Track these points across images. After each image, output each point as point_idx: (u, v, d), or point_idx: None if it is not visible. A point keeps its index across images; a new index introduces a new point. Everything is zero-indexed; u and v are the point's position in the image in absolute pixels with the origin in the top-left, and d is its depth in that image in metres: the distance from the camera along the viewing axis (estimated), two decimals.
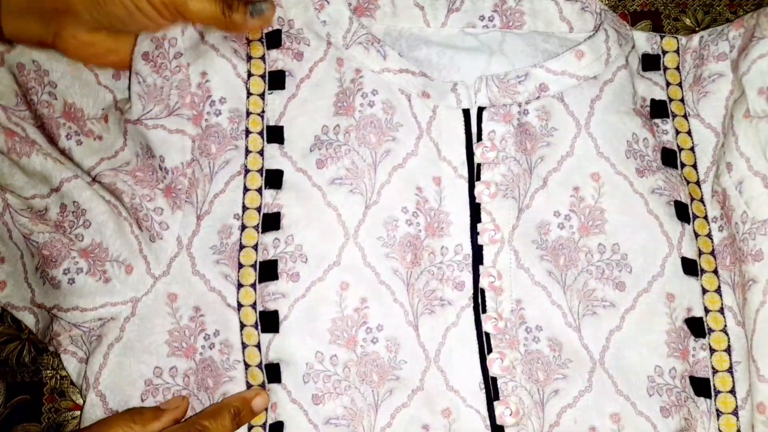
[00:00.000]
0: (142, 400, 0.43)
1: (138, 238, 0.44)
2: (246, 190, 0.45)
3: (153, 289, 0.44)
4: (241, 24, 0.46)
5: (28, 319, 0.45)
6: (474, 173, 0.47)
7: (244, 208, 0.45)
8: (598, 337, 0.44)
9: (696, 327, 0.45)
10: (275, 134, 0.47)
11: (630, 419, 0.43)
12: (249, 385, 0.43)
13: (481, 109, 0.47)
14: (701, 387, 0.44)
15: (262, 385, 0.43)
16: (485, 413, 0.43)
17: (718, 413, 0.44)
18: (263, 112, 0.47)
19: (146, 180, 0.44)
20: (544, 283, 0.45)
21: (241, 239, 0.44)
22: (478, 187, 0.46)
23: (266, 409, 0.43)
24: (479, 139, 0.47)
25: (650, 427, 0.43)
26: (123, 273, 0.43)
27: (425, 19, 0.50)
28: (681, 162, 0.48)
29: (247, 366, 0.43)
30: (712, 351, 0.44)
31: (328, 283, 0.44)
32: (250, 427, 0.43)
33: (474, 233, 0.46)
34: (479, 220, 0.46)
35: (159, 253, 0.44)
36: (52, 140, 0.45)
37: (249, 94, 0.47)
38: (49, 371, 0.47)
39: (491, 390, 0.44)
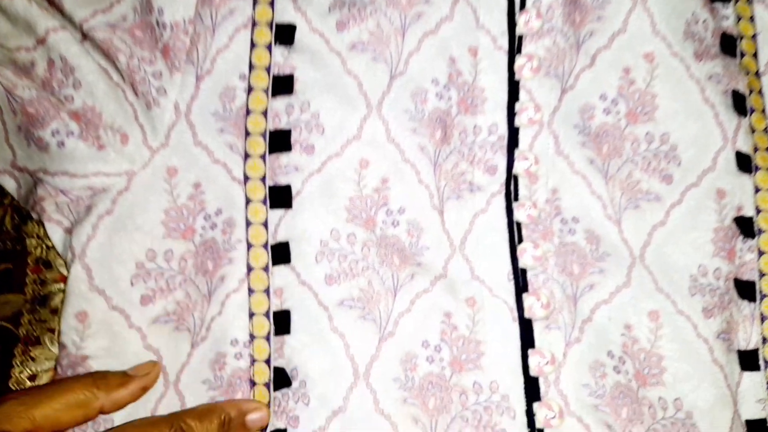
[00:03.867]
0: (132, 284, 0.40)
1: (133, 105, 0.40)
2: (253, 45, 0.41)
3: (151, 162, 0.41)
4: None
5: (9, 184, 0.42)
6: (515, 45, 0.43)
7: (251, 66, 0.41)
8: (639, 232, 0.42)
9: (745, 227, 0.42)
10: None
11: (669, 318, 0.41)
12: (250, 268, 0.40)
13: None
14: (746, 290, 0.42)
15: (266, 268, 0.40)
16: (513, 304, 0.41)
17: (762, 318, 0.42)
18: None
19: (146, 41, 0.40)
20: (584, 172, 0.43)
21: (247, 103, 0.41)
22: (519, 60, 0.43)
23: (268, 295, 0.39)
24: (523, 6, 0.43)
25: (690, 326, 0.41)
26: (118, 142, 0.40)
27: None
28: (741, 50, 0.45)
29: (249, 246, 0.40)
30: (761, 253, 0.42)
31: (345, 159, 0.41)
32: (252, 314, 0.39)
33: (511, 113, 0.43)
34: (517, 99, 0.43)
35: (156, 121, 0.40)
36: None
37: None
38: (34, 240, 0.44)
39: (520, 281, 0.41)
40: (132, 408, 0.38)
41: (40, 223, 0.42)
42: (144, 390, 0.38)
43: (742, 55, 0.45)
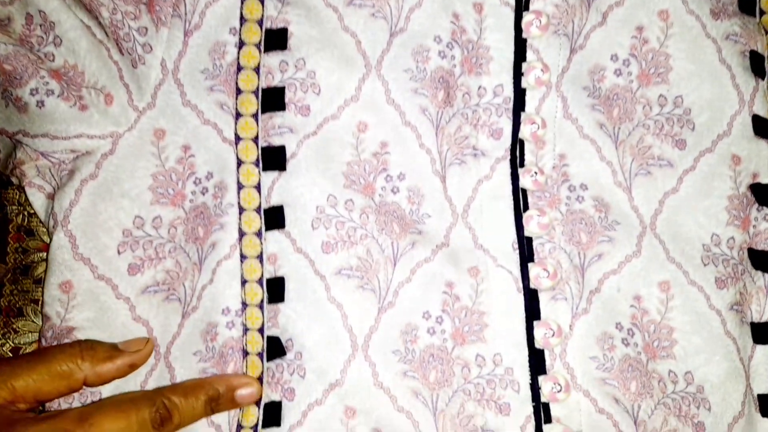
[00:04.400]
0: (119, 253, 0.38)
1: (118, 63, 0.38)
2: None
3: (137, 124, 0.39)
4: None
5: None
6: (522, 1, 0.41)
7: (242, 20, 0.39)
8: (650, 199, 0.40)
9: (761, 194, 0.41)
10: None
11: (681, 288, 0.39)
12: (242, 233, 0.38)
13: None
14: (760, 260, 0.41)
15: (259, 233, 0.38)
16: (518, 274, 0.39)
17: None
18: None
19: None
20: (594, 137, 0.41)
21: (238, 59, 0.39)
22: (527, 17, 0.40)
23: (262, 261, 0.37)
24: None
25: (703, 297, 0.39)
26: (102, 102, 0.38)
27: None
28: (760, 9, 0.43)
29: (241, 210, 0.38)
30: None
31: (343, 122, 0.39)
32: (244, 282, 0.38)
33: (517, 73, 0.40)
34: (524, 59, 0.40)
35: (142, 81, 0.38)
36: None
37: None
38: (15, 207, 0.42)
39: (525, 250, 0.39)
40: (121, 381, 0.36)
41: (21, 189, 0.40)
42: (133, 367, 0.36)
43: (762, 13, 0.43)
